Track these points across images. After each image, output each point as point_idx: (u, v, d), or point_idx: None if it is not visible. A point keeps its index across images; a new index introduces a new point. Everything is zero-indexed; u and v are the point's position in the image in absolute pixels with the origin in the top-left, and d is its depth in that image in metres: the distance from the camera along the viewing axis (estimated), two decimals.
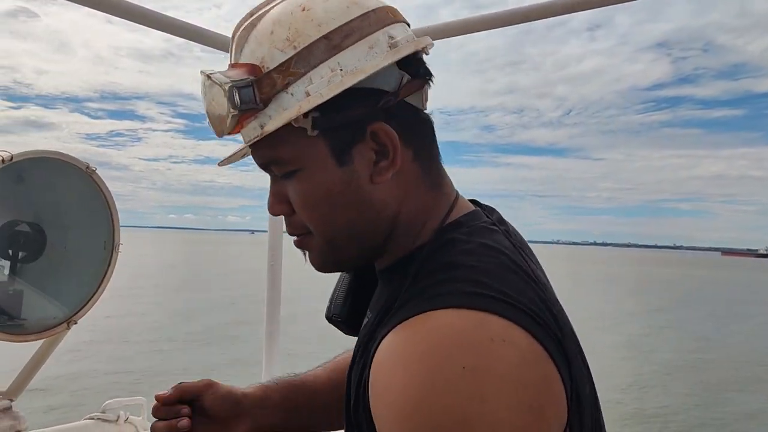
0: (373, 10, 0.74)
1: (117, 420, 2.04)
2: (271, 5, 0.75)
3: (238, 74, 0.71)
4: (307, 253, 0.81)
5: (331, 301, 0.93)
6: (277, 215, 0.80)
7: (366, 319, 0.84)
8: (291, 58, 0.70)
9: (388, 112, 0.73)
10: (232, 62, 0.74)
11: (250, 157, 0.80)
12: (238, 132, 0.74)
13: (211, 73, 0.72)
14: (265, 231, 2.19)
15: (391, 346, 0.65)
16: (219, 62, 0.84)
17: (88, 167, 1.78)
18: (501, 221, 0.81)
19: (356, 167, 0.74)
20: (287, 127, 0.71)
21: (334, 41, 0.71)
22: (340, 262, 0.82)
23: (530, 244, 0.82)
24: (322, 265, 0.81)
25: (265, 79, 0.71)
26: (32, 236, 1.76)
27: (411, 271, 0.72)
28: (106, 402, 2.04)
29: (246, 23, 0.75)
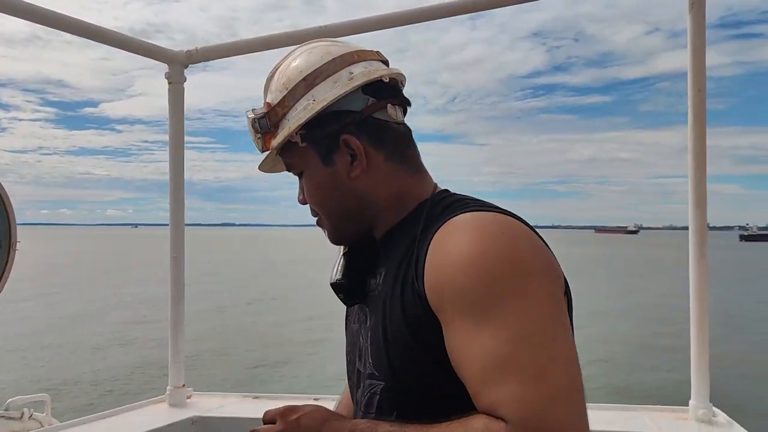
0: (340, 56, 1.02)
1: (21, 417, 2.04)
2: (287, 57, 1.07)
3: (260, 111, 1.04)
4: (322, 229, 1.10)
5: (333, 272, 1.11)
6: (302, 204, 1.09)
7: (375, 279, 1.04)
8: (285, 96, 1.02)
9: (357, 126, 1.00)
10: (264, 102, 1.06)
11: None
12: (269, 149, 1.05)
13: (247, 111, 1.06)
14: (150, 224, 2.24)
15: (447, 230, 0.89)
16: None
17: None
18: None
19: (338, 168, 1.02)
20: (290, 142, 1.02)
21: (309, 81, 1.01)
22: (343, 236, 1.09)
23: None
24: (333, 240, 1.10)
25: (272, 113, 1.03)
26: None
27: (424, 214, 0.97)
28: (9, 400, 2.04)
29: (270, 74, 1.08)
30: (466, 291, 0.82)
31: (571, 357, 0.81)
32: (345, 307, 1.14)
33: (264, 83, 1.08)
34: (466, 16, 2.09)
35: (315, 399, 2.31)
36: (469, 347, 0.81)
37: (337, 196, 1.04)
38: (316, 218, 1.11)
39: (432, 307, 0.87)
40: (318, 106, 0.98)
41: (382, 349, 0.95)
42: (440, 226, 0.91)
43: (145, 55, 2.17)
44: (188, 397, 2.23)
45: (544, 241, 0.92)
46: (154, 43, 2.21)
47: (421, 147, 1.10)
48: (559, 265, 0.91)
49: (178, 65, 2.17)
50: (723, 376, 10.85)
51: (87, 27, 2.00)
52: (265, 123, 1.04)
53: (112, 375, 11.80)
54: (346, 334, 1.15)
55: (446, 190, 1.05)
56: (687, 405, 2.13)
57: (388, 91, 1.04)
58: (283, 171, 1.14)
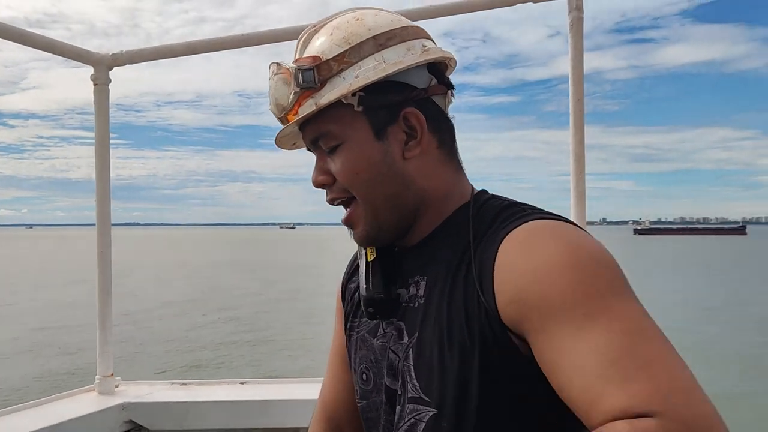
0: (411, 25, 0.94)
1: None
2: (332, 18, 0.94)
3: (303, 62, 0.89)
4: (352, 231, 0.96)
5: (367, 284, 0.96)
6: (319, 186, 0.95)
7: (408, 291, 0.93)
8: (345, 51, 0.88)
9: (418, 104, 0.91)
10: (297, 58, 0.92)
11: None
12: (296, 112, 0.90)
13: (279, 62, 0.90)
14: (46, 225, 2.31)
15: (518, 237, 0.80)
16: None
17: None
18: None
19: (390, 144, 0.90)
20: (337, 105, 0.87)
21: (380, 41, 0.89)
22: (380, 231, 0.94)
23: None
24: (365, 236, 0.95)
25: (323, 66, 0.88)
26: None
27: (470, 217, 0.89)
28: None
29: (311, 30, 0.94)
30: (562, 296, 0.74)
31: (674, 350, 0.72)
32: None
33: (301, 40, 0.95)
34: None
35: (241, 383, 2.46)
36: (576, 354, 0.70)
37: (383, 176, 0.91)
38: (343, 203, 0.96)
39: (507, 322, 0.78)
40: (391, 69, 0.87)
41: (435, 372, 0.84)
42: (507, 234, 0.82)
43: (70, 58, 2.23)
44: (117, 386, 2.32)
45: None
46: (67, 42, 2.26)
47: None
48: None
49: (103, 67, 2.26)
50: None
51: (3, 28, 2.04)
52: (311, 76, 0.88)
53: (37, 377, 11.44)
54: (356, 349, 1.04)
55: (485, 191, 0.97)
56: None
57: (448, 79, 0.98)
58: (302, 147, 1.00)
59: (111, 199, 2.35)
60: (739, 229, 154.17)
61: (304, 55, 0.90)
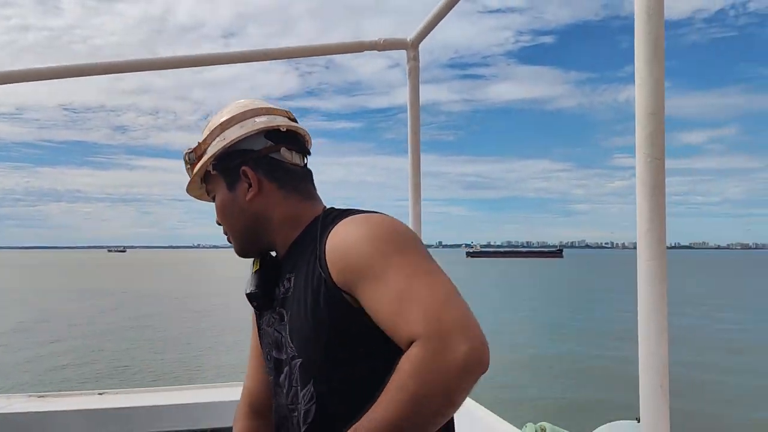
0: (251, 109, 1.29)
1: None
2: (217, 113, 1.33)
3: (191, 148, 1.31)
4: (231, 243, 1.32)
5: (248, 285, 1.30)
6: (218, 225, 1.32)
7: (283, 287, 1.24)
8: (207, 136, 1.29)
9: (256, 161, 1.25)
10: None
11: None
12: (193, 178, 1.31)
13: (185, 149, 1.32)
14: None
15: (341, 226, 1.12)
16: None
17: None
18: None
19: (237, 192, 1.26)
20: (207, 171, 1.28)
21: (224, 125, 1.27)
22: (244, 249, 1.31)
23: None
24: (237, 251, 1.32)
25: (197, 148, 1.30)
26: None
27: (318, 224, 1.19)
28: None
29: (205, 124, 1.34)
30: (365, 258, 1.04)
31: (449, 280, 1.02)
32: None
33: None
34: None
35: (99, 393, 2.52)
36: (379, 299, 1.00)
37: (237, 215, 1.27)
38: (226, 235, 1.33)
39: (340, 286, 1.07)
40: (225, 142, 1.24)
41: (301, 333, 1.14)
42: (335, 226, 1.13)
43: None
44: None
45: None
46: None
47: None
48: None
49: None
50: None
51: None
52: (192, 156, 1.30)
53: None
54: (261, 339, 1.35)
55: (333, 208, 1.27)
56: None
57: (286, 138, 1.28)
58: (208, 199, 1.36)
59: None
60: (557, 252, 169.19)
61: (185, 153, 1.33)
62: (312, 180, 1.33)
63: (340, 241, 1.09)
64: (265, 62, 2.09)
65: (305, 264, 1.17)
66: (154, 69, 2.41)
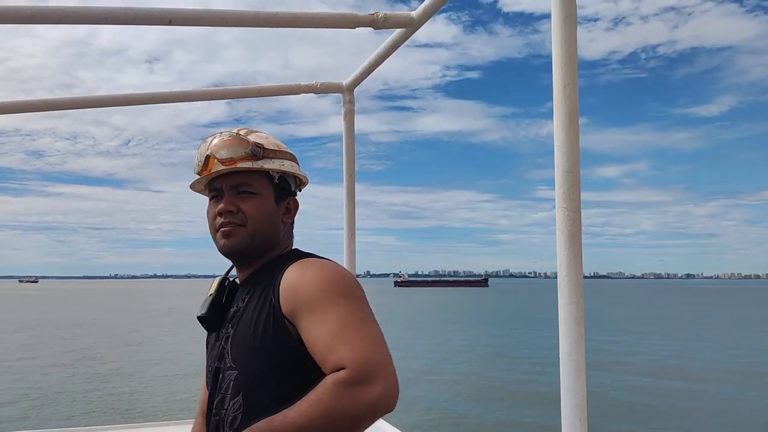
0: (290, 153, 1.48)
1: None
2: (247, 129, 1.45)
3: (258, 141, 1.40)
4: (223, 241, 1.39)
5: (200, 308, 1.43)
6: (226, 211, 1.37)
7: (236, 307, 1.40)
8: (273, 149, 1.42)
9: (292, 197, 1.47)
10: (234, 136, 1.41)
11: None
12: (234, 164, 1.37)
13: (238, 130, 1.43)
14: None
15: (297, 265, 1.30)
16: None
17: None
18: None
19: (279, 208, 1.43)
20: (262, 172, 1.40)
21: (285, 155, 1.45)
22: (247, 246, 1.39)
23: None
24: (239, 246, 1.38)
25: (264, 150, 1.40)
26: None
27: (282, 260, 1.37)
28: None
29: (246, 130, 1.44)
30: (312, 296, 1.22)
31: (378, 329, 1.20)
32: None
33: (239, 131, 1.44)
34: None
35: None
36: (317, 332, 1.18)
37: (270, 222, 1.41)
38: (229, 226, 1.39)
39: (286, 314, 1.24)
40: (288, 169, 1.43)
41: (242, 348, 1.30)
42: (290, 266, 1.31)
43: None
44: None
45: None
46: None
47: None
48: None
49: None
50: None
51: None
52: (259, 151, 1.39)
53: None
54: (207, 352, 1.47)
55: (296, 249, 1.47)
56: None
57: (297, 184, 1.52)
58: (202, 192, 1.50)
59: None
60: (483, 281, 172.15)
61: (251, 139, 1.41)
62: None
63: (295, 276, 1.27)
64: (188, 87, 2.13)
65: (261, 290, 1.33)
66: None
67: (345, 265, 2.75)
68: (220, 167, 1.38)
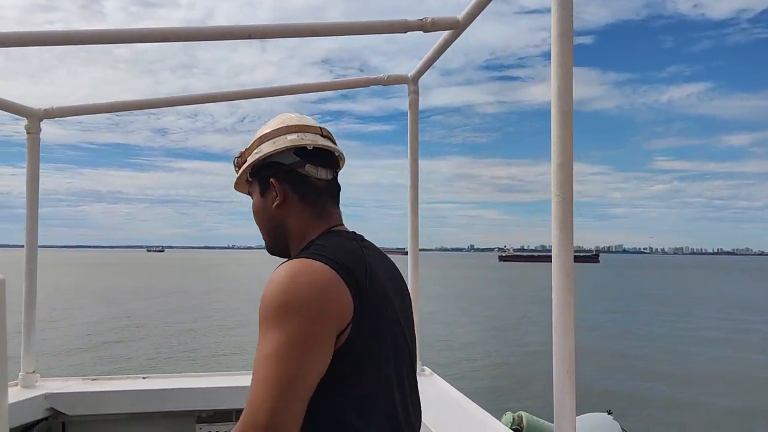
0: (286, 126, 1.43)
1: None
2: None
3: (237, 155, 1.48)
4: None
5: None
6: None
7: None
8: (248, 148, 1.45)
9: (285, 174, 1.39)
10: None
11: None
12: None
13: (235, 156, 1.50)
14: None
15: (276, 270, 1.22)
16: None
17: None
18: (355, 234, 1.43)
19: (267, 199, 1.42)
20: (248, 176, 1.45)
21: (262, 140, 1.42)
22: (270, 248, 1.47)
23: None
24: (269, 250, 1.48)
25: (241, 156, 1.46)
26: None
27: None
28: None
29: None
30: (259, 316, 1.19)
31: (284, 374, 1.11)
32: None
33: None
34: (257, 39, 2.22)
35: (143, 377, 2.98)
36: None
37: (264, 218, 1.44)
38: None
39: None
40: (260, 155, 1.40)
41: None
42: (279, 267, 1.25)
43: (6, 110, 2.71)
44: (36, 381, 2.77)
45: (355, 277, 1.22)
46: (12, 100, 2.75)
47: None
48: (348, 299, 1.19)
49: (35, 119, 2.75)
50: (436, 348, 16.98)
51: None
52: (236, 163, 1.47)
53: None
54: None
55: (324, 234, 1.38)
56: None
57: (314, 155, 1.42)
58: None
59: (39, 227, 2.82)
60: (593, 257, 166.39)
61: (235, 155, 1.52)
62: (336, 194, 1.48)
63: (266, 284, 1.23)
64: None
65: None
66: (173, 40, 2.24)
67: (408, 244, 3.05)
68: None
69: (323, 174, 1.43)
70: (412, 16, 2.29)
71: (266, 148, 1.41)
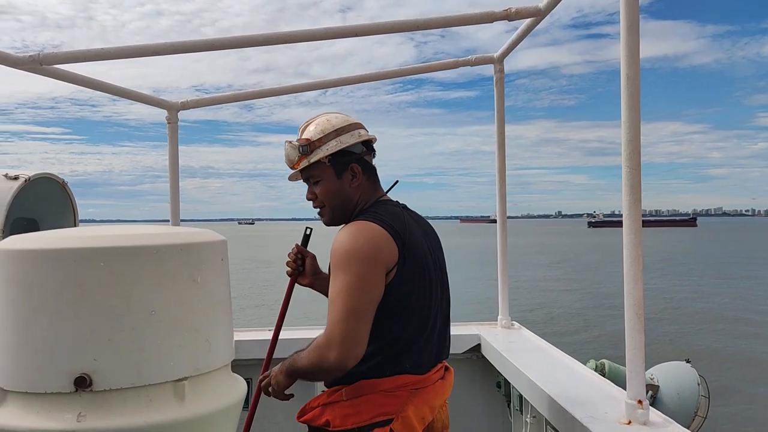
0: (351, 123, 1.84)
1: None
2: (317, 117, 1.85)
3: (303, 141, 1.80)
4: (321, 218, 1.89)
5: None
6: (309, 200, 1.87)
7: None
8: (321, 137, 1.80)
9: (358, 160, 1.83)
10: (299, 136, 1.84)
11: None
12: (298, 165, 1.81)
13: (291, 140, 1.83)
14: None
15: (339, 231, 1.73)
16: None
17: (63, 182, 2.77)
18: (399, 203, 1.90)
19: (343, 180, 1.82)
20: (318, 162, 1.79)
21: (339, 132, 1.81)
22: (332, 220, 1.86)
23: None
24: (326, 222, 1.89)
25: (311, 144, 1.79)
26: (30, 226, 2.69)
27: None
28: None
29: (306, 123, 1.86)
30: (331, 263, 1.67)
31: (355, 304, 1.59)
32: None
33: (301, 128, 1.87)
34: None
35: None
36: (330, 291, 1.67)
37: (339, 194, 1.82)
38: (318, 209, 1.88)
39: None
40: (341, 145, 1.79)
41: None
42: (346, 224, 1.78)
43: (148, 104, 3.19)
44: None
45: (399, 233, 1.69)
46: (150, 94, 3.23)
47: (291, 138, 1.80)
48: (395, 249, 1.67)
49: (174, 110, 3.24)
50: (520, 304, 17.57)
51: (100, 83, 2.94)
52: (306, 149, 1.79)
53: None
54: None
55: (378, 201, 1.86)
56: (497, 320, 3.45)
57: (370, 145, 1.90)
58: (299, 180, 1.90)
59: (180, 202, 3.31)
60: (690, 220, 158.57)
61: (303, 137, 1.84)
62: (376, 172, 1.91)
63: (333, 242, 1.69)
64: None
65: None
66: (275, 43, 2.55)
67: (497, 209, 3.35)
68: (292, 170, 1.88)
69: (371, 159, 1.91)
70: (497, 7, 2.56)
71: (346, 139, 1.81)
